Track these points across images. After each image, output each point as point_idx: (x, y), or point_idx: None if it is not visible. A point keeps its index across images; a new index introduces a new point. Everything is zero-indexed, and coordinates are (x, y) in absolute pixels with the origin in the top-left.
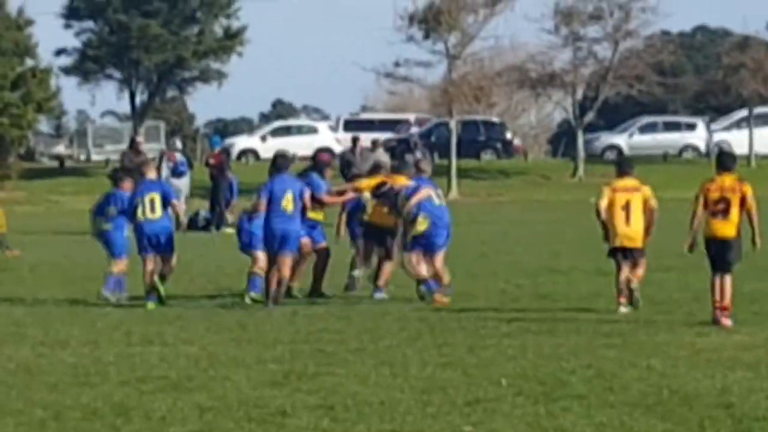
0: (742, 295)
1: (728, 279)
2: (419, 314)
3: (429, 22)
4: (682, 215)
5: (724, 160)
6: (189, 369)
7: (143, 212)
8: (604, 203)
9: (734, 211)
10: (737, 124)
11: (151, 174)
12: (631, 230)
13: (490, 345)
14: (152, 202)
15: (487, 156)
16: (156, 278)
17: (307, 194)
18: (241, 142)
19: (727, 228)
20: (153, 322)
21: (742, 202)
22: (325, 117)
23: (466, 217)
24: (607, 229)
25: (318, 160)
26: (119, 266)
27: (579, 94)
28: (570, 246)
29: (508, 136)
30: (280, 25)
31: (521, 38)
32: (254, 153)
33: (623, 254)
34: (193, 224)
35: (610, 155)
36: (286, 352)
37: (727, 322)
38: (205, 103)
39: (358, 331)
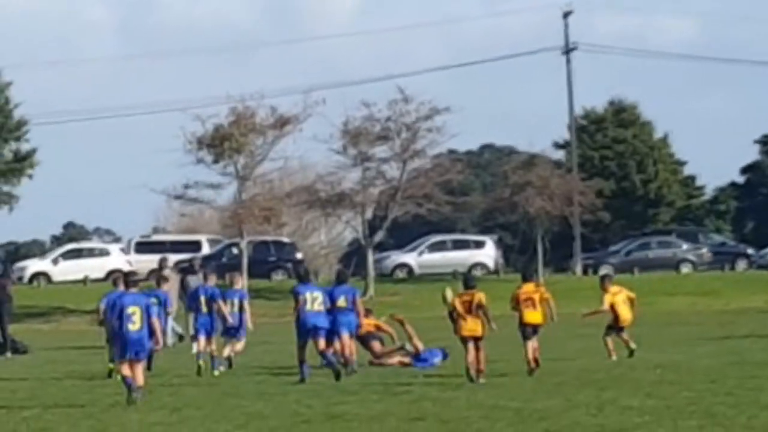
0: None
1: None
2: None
3: (217, 146)
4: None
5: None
6: None
7: None
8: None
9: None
10: None
11: None
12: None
13: None
14: None
15: (278, 276)
16: None
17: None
18: (33, 266)
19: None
20: None
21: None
22: (116, 239)
23: (257, 338)
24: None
25: None
26: None
27: (368, 214)
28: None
29: (299, 256)
30: (70, 148)
31: (311, 158)
32: (46, 276)
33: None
34: None
35: (400, 274)
36: None
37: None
38: None
39: None
